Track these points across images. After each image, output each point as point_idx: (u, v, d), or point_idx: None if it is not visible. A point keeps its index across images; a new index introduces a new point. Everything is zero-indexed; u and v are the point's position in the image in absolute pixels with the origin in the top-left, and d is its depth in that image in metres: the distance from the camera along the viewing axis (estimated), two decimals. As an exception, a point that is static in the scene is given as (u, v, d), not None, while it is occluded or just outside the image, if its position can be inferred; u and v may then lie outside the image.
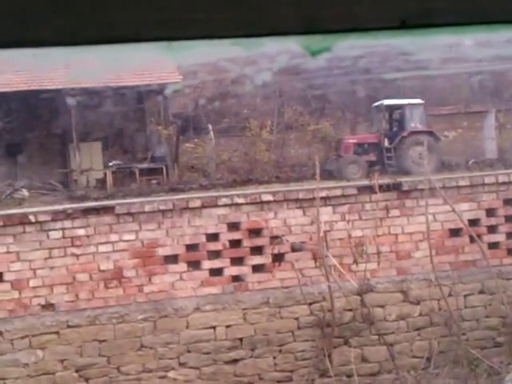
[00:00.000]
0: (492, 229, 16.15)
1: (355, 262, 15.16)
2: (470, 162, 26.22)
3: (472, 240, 15.73)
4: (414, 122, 27.18)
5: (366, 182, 16.46)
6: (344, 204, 15.54)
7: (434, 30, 1.57)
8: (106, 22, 1.51)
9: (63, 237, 14.28)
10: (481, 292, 15.76)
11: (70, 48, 1.53)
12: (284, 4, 1.53)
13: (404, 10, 1.55)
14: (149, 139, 31.10)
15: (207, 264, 14.84)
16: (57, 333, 13.99)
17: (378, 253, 15.30)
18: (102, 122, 30.16)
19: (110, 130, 30.49)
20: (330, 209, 15.45)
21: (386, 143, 26.93)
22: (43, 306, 14.16)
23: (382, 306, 15.39)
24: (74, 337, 14.02)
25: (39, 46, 1.52)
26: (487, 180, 16.26)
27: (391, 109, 28.12)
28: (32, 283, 14.13)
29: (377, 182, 15.70)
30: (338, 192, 15.62)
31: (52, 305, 14.19)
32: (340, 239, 15.39)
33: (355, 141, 27.64)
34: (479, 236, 15.81)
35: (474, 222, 15.99)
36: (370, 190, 15.67)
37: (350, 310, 15.17)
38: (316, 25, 1.55)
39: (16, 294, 14.08)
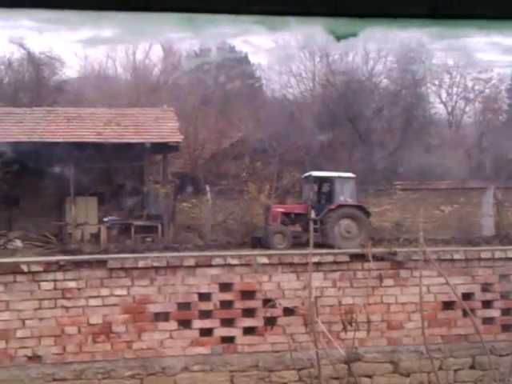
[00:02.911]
0: (487, 304, 16.06)
1: (344, 329, 15.02)
2: (401, 240, 25.42)
3: (465, 314, 15.62)
4: (344, 196, 26.65)
5: (358, 250, 16.41)
6: (335, 271, 15.49)
7: (465, 21, 1.51)
8: None
9: (54, 288, 14.17)
10: (471, 367, 15.61)
11: (85, 12, 1.50)
12: None
13: None
14: (146, 197, 31.12)
15: (198, 323, 14.72)
16: (41, 385, 13.81)
17: (369, 322, 15.17)
18: (100, 177, 30.23)
19: (107, 186, 30.55)
20: (321, 275, 15.39)
21: (313, 214, 26.48)
22: (29, 358, 13.99)
23: (370, 376, 15.22)
24: (58, 390, 13.84)
25: (57, 8, 1.49)
26: (483, 255, 16.22)
27: (320, 180, 27.75)
28: (20, 334, 13.97)
29: (370, 250, 15.64)
30: (331, 258, 15.57)
31: (39, 357, 14.01)
32: (330, 306, 15.30)
33: (283, 210, 27.23)
34: (473, 310, 15.70)
35: (468, 296, 15.91)
36: (362, 257, 15.62)
37: (337, 378, 14.99)
38: (343, 8, 1.50)
39: (2, 344, 13.92)
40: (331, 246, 23.70)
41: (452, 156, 35.24)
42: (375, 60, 42.49)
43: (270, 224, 25.77)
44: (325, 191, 27.60)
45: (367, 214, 26.13)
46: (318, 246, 24.02)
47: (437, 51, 42.28)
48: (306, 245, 24.82)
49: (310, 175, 27.40)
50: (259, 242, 24.76)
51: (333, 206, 26.00)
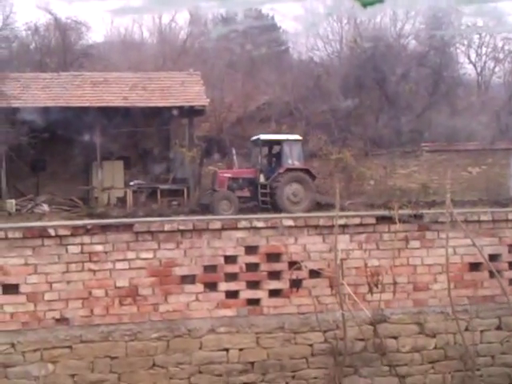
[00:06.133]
0: (513, 265, 15.97)
1: (370, 291, 15.03)
2: (347, 203, 24.91)
3: (492, 275, 15.56)
4: (292, 159, 26.05)
5: (385, 212, 16.32)
6: (361, 233, 15.42)
7: None
8: None
9: (81, 252, 14.24)
10: (498, 328, 15.56)
11: None
12: None
13: None
14: (172, 160, 31.21)
15: (224, 286, 14.77)
16: (69, 347, 13.93)
17: (395, 283, 15.16)
18: (126, 141, 30.34)
19: (133, 150, 30.68)
20: (347, 237, 15.33)
21: (262, 179, 25.87)
22: (57, 320, 14.11)
23: (396, 338, 15.22)
24: (86, 352, 13.96)
25: None
26: (511, 216, 16.09)
27: (269, 144, 27.13)
28: (47, 296, 14.08)
29: (397, 212, 15.59)
30: (357, 220, 15.51)
31: (66, 319, 14.13)
32: (356, 268, 15.28)
33: (230, 175, 26.68)
34: (499, 272, 15.63)
35: (494, 258, 15.83)
36: (389, 220, 15.55)
37: (362, 339, 15.02)
38: None
39: (31, 307, 14.03)
40: (280, 211, 23.49)
41: (480, 117, 34.92)
42: (403, 21, 42.11)
43: (216, 190, 25.38)
44: (273, 154, 27.10)
45: (313, 177, 25.65)
46: (266, 210, 23.84)
47: (465, 14, 41.84)
48: (254, 210, 24.69)
49: (258, 139, 26.91)
50: (207, 209, 24.53)
51: (281, 170, 25.54)
